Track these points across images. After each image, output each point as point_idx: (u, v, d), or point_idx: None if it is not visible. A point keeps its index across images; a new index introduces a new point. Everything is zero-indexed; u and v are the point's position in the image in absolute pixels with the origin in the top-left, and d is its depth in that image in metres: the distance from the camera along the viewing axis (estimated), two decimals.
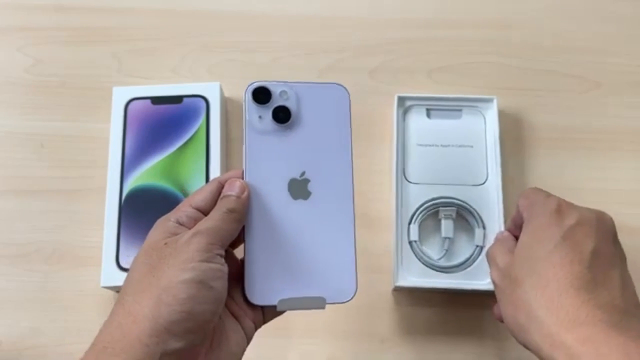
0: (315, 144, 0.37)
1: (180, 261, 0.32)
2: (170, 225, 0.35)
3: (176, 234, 0.34)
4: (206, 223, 0.34)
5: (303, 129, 0.37)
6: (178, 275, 0.31)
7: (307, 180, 0.37)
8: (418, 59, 0.60)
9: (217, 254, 0.33)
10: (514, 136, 0.57)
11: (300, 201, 0.36)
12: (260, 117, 0.37)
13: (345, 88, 0.38)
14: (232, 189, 0.36)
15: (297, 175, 0.37)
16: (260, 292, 0.35)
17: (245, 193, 0.35)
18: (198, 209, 0.36)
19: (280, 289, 0.35)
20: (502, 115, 0.56)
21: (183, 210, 0.35)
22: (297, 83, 0.38)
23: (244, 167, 0.36)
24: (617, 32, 0.60)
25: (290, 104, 0.37)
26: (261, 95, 0.37)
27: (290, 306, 0.35)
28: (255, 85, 0.37)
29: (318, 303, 0.36)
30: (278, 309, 0.36)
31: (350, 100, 0.38)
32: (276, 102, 0.37)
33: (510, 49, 0.60)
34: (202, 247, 0.33)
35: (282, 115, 0.37)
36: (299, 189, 0.36)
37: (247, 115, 0.37)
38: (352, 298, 0.36)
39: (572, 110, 0.58)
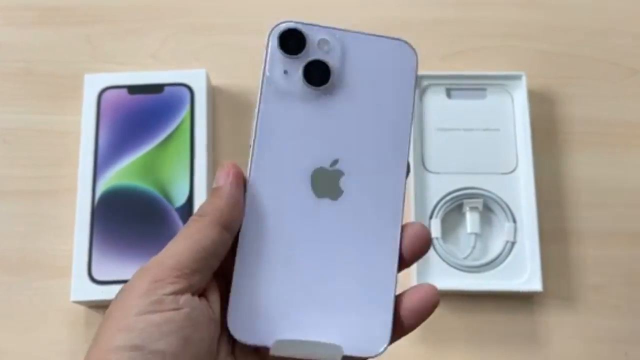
0: (359, 122, 0.30)
1: (118, 317, 0.26)
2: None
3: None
4: (165, 248, 0.28)
5: (345, 97, 0.30)
6: (111, 340, 0.25)
7: (339, 173, 0.29)
8: (431, 42, 0.59)
9: (170, 293, 0.26)
10: (542, 128, 0.57)
11: (326, 201, 0.29)
12: (285, 72, 0.29)
13: (412, 47, 0.31)
14: (217, 179, 0.29)
15: (326, 164, 0.29)
16: (249, 326, 0.28)
17: (230, 177, 0.29)
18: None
19: (279, 325, 0.28)
20: (530, 102, 0.55)
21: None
22: (346, 31, 0.30)
23: (251, 140, 0.29)
24: None
25: (332, 59, 0.30)
26: (292, 42, 0.29)
27: (291, 351, 0.28)
28: (285, 26, 0.30)
29: (330, 352, 0.28)
30: (272, 352, 0.28)
31: (417, 65, 0.31)
32: (312, 54, 0.30)
33: (535, 31, 0.60)
34: (142, 291, 0.26)
35: (317, 74, 0.29)
36: (326, 183, 0.29)
37: (267, 68, 0.29)
38: (381, 352, 0.28)
39: (606, 101, 0.58)
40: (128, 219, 0.51)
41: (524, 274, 0.51)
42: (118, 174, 0.52)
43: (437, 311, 0.50)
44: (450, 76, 0.56)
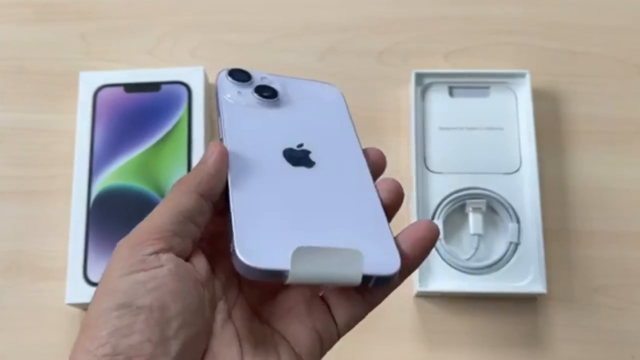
0: (308, 122, 0.34)
1: (102, 284, 0.27)
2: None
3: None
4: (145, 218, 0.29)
5: (291, 109, 0.35)
6: (98, 305, 0.26)
7: (307, 151, 0.32)
8: (434, 39, 0.59)
9: (151, 253, 0.27)
10: (546, 126, 0.56)
11: (302, 169, 0.32)
12: (239, 92, 0.34)
13: (335, 87, 0.37)
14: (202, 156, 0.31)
15: (293, 146, 0.33)
16: (262, 251, 0.26)
17: (215, 154, 0.30)
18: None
19: (294, 242, 0.26)
20: (534, 101, 0.55)
21: None
22: (280, 76, 0.36)
23: (221, 134, 0.32)
24: None
25: (275, 87, 0.35)
26: (239, 74, 0.35)
27: (310, 270, 0.26)
28: (229, 68, 0.35)
29: (351, 267, 0.26)
30: (292, 274, 0.26)
31: (344, 97, 0.37)
32: (258, 82, 0.35)
33: (540, 28, 0.60)
34: (123, 256, 0.27)
35: (267, 91, 0.35)
36: (298, 158, 0.32)
37: (221, 95, 0.34)
38: (397, 273, 0.27)
39: (612, 99, 0.57)
40: (124, 219, 0.51)
41: (527, 275, 0.50)
42: (114, 174, 0.52)
43: (440, 313, 0.51)
44: (453, 74, 0.56)
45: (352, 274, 0.27)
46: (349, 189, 0.31)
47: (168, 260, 0.27)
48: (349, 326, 0.30)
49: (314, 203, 0.30)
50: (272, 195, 0.29)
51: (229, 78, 0.35)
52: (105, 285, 0.27)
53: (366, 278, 0.27)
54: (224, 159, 0.30)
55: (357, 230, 0.29)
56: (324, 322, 0.29)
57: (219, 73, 0.35)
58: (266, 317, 0.30)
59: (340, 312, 0.29)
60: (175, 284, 0.27)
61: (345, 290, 0.29)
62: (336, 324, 0.30)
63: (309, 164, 0.32)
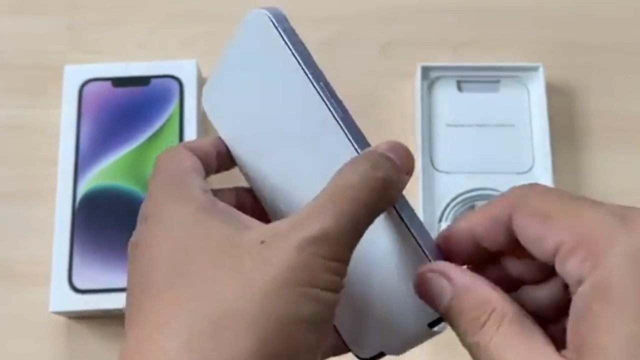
0: None
1: (293, 281, 0.21)
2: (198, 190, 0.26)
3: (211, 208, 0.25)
4: (331, 207, 0.23)
5: None
6: (294, 306, 0.21)
7: None
8: (441, 30, 0.59)
9: (324, 288, 0.22)
10: (560, 123, 0.56)
11: None
12: None
13: None
14: (396, 151, 0.25)
15: None
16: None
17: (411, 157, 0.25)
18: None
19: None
20: (548, 96, 0.55)
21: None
22: None
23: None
24: None
25: None
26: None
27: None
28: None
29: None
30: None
31: None
32: None
33: (553, 19, 0.60)
34: (323, 264, 0.22)
35: None
36: None
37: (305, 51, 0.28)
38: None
39: (630, 95, 0.57)
40: (112, 222, 0.51)
41: None
42: (101, 174, 0.52)
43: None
44: (461, 67, 0.56)
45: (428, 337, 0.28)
46: None
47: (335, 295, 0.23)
48: None
49: None
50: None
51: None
52: (301, 287, 0.22)
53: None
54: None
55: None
56: None
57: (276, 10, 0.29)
58: None
59: None
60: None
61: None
62: None
63: None
